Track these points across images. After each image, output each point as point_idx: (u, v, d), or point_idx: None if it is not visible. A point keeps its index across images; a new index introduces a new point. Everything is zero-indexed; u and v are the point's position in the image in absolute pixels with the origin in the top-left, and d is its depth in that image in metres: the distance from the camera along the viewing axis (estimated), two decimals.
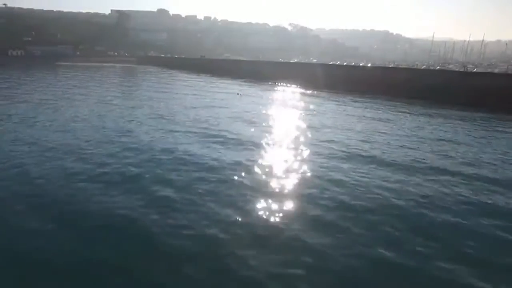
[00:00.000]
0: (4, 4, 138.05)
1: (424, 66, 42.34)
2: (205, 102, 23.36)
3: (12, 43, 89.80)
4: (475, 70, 33.32)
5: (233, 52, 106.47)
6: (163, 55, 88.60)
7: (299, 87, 36.58)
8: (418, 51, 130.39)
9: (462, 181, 8.95)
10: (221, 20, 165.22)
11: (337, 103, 24.70)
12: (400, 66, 41.89)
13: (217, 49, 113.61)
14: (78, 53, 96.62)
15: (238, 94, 28.01)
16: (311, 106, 22.72)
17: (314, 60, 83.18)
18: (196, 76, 51.30)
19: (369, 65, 45.42)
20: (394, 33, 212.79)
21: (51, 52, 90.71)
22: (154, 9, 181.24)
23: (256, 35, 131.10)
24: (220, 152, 11.10)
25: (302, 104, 24.06)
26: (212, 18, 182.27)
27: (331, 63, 56.66)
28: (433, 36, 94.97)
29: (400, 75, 30.53)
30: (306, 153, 11.26)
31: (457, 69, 34.33)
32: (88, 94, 26.60)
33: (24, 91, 27.23)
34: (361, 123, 17.08)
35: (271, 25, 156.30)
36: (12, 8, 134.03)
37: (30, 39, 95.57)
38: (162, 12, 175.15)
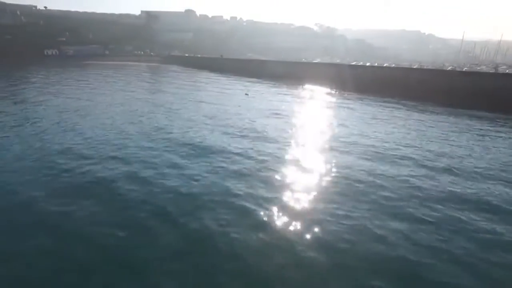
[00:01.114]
0: (45, 7, 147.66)
1: (451, 67, 39.87)
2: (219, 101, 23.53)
3: (48, 43, 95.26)
4: (507, 71, 30.92)
5: (257, 52, 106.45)
6: (187, 55, 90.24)
7: (327, 88, 35.13)
8: (450, 52, 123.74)
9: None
10: (247, 20, 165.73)
11: (375, 107, 23.17)
12: (425, 67, 39.80)
13: (241, 49, 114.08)
14: (107, 52, 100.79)
15: (246, 94, 27.75)
16: (352, 112, 21.21)
17: (338, 60, 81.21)
18: (217, 75, 51.69)
19: (392, 65, 43.54)
20: (426, 33, 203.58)
21: (82, 51, 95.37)
22: (182, 9, 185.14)
23: (280, 35, 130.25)
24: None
25: (338, 107, 22.87)
26: (238, 18, 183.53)
27: (353, 63, 54.97)
28: (463, 36, 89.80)
29: (414, 75, 29.28)
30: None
31: (488, 70, 32.11)
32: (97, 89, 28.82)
33: (54, 83, 33.09)
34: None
35: (296, 25, 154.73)
36: (51, 11, 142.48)
37: (64, 39, 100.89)
38: (189, 12, 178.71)
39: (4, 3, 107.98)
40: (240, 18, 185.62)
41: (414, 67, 42.91)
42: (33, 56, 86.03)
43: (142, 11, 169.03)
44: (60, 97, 23.95)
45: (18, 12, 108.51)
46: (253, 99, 25.45)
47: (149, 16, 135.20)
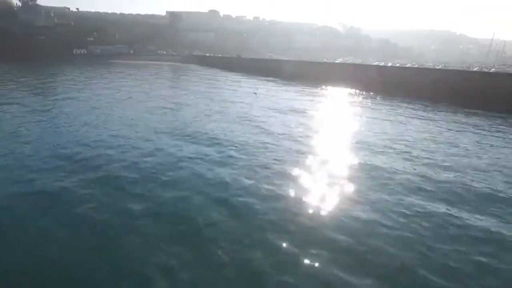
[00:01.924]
0: (77, 8, 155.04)
1: (477, 68, 37.79)
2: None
3: (77, 43, 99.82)
4: None
5: (277, 52, 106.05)
6: (207, 54, 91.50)
7: (350, 90, 33.55)
8: (482, 52, 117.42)
9: None
10: (269, 21, 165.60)
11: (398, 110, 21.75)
12: (449, 68, 37.96)
13: (261, 48, 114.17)
14: (131, 51, 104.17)
15: (254, 93, 27.66)
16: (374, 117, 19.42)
17: (360, 61, 79.31)
18: (234, 75, 52.02)
19: (408, 65, 41.91)
20: (458, 33, 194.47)
21: (108, 50, 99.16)
22: (206, 10, 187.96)
23: (302, 34, 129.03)
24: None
25: (361, 113, 21.12)
26: (261, 19, 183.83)
27: (375, 63, 53.46)
28: (492, 36, 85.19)
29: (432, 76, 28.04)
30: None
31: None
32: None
33: (81, 81, 36.08)
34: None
35: (319, 25, 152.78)
36: (82, 12, 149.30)
37: (92, 39, 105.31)
38: (212, 13, 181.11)
39: (39, 6, 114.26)
40: (263, 19, 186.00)
41: (438, 67, 41.11)
42: (63, 55, 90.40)
43: (167, 12, 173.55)
44: (86, 94, 25.76)
45: (52, 14, 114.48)
46: (262, 98, 25.30)
47: (173, 16, 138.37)
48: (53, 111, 18.20)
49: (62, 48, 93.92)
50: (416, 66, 41.55)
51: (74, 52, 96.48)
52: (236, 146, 12.12)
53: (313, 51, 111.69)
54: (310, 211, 7.40)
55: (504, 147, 13.31)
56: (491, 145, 13.49)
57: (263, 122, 16.51)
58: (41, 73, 46.55)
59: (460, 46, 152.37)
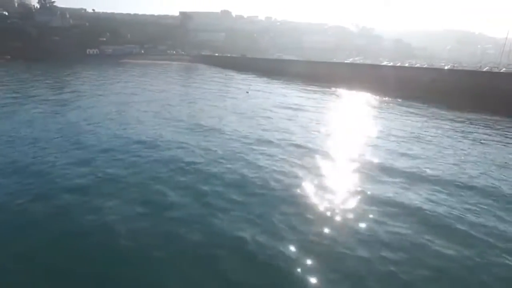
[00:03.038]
0: (93, 9, 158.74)
1: (487, 68, 36.08)
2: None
3: (90, 43, 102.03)
4: None
5: (287, 51, 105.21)
6: (217, 54, 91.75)
7: (362, 91, 31.53)
8: (500, 52, 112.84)
9: None
10: (280, 20, 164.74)
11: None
12: (465, 68, 36.36)
13: (271, 48, 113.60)
14: (142, 51, 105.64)
15: (247, 92, 27.27)
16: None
17: (368, 61, 77.64)
18: (236, 73, 51.86)
19: (417, 65, 40.47)
20: (477, 33, 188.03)
21: (120, 50, 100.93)
22: (218, 10, 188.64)
23: (313, 34, 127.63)
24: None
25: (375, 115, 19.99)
26: (273, 19, 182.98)
27: (384, 63, 52.02)
28: (507, 35, 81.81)
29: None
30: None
31: None
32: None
33: (93, 80, 38.57)
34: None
35: (330, 25, 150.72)
36: (97, 13, 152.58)
37: (105, 39, 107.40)
38: (224, 13, 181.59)
39: (56, 7, 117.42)
40: (275, 19, 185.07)
41: (447, 67, 39.51)
42: (77, 55, 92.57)
43: (180, 12, 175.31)
44: (98, 92, 28.01)
45: (68, 15, 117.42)
46: (254, 97, 24.92)
47: (184, 17, 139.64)
48: (67, 106, 20.04)
49: (76, 48, 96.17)
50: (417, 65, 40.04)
51: (87, 52, 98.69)
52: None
53: (325, 51, 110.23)
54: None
55: None
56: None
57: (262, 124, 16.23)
58: (56, 73, 48.92)
59: (478, 46, 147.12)
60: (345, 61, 64.30)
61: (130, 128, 14.72)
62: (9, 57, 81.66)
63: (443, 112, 20.87)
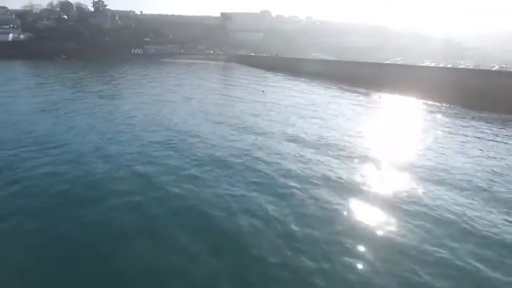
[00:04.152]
0: (141, 12, 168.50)
1: None
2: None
3: (135, 43, 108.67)
4: None
5: (325, 51, 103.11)
6: (252, 54, 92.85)
7: (412, 98, 26.82)
8: None
9: None
10: (321, 20, 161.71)
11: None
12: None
13: (308, 48, 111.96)
14: (182, 51, 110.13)
15: (262, 91, 27.30)
16: None
17: (410, 61, 73.54)
18: (268, 73, 52.10)
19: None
20: None
21: (161, 50, 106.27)
22: (258, 11, 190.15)
23: (353, 34, 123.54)
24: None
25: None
26: (313, 18, 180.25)
27: (426, 63, 49.11)
28: None
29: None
30: None
31: None
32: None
33: (139, 78, 44.05)
34: None
35: (373, 24, 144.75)
36: (145, 15, 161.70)
37: (148, 39, 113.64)
38: (264, 13, 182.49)
39: (107, 10, 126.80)
40: (315, 19, 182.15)
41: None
42: (123, 54, 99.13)
43: (221, 13, 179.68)
44: (143, 88, 32.00)
45: (117, 17, 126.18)
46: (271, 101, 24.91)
47: (224, 17, 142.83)
48: (120, 101, 23.92)
49: (123, 48, 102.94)
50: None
51: (132, 52, 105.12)
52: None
53: (366, 51, 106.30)
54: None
55: None
56: None
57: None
58: (105, 71, 54.87)
59: None
60: (372, 61, 61.19)
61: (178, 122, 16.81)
62: (64, 56, 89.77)
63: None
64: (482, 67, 48.99)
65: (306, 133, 14.60)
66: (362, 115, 19.82)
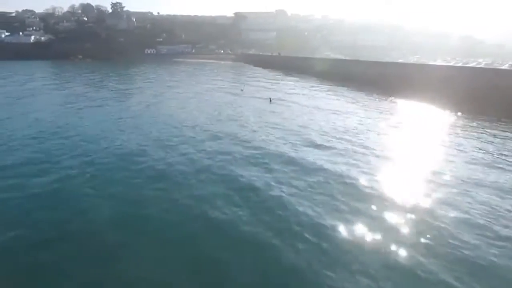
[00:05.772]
0: (158, 13, 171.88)
1: None
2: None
3: (148, 43, 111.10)
4: None
5: (338, 50, 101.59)
6: (261, 53, 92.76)
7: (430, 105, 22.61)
8: None
9: None
10: (335, 19, 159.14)
11: None
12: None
13: (322, 47, 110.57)
14: (193, 51, 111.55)
15: (241, 90, 27.14)
16: None
17: (423, 60, 71.33)
18: (270, 72, 51.87)
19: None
20: None
21: (173, 50, 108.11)
22: (275, 9, 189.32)
23: (367, 32, 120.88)
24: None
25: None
26: (329, 17, 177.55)
27: (437, 62, 47.31)
28: None
29: None
30: None
31: None
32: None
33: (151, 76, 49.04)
34: None
35: (386, 21, 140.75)
36: (162, 15, 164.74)
37: (161, 39, 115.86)
38: (279, 12, 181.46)
39: (123, 11, 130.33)
40: (331, 18, 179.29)
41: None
42: (137, 54, 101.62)
43: (234, 13, 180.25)
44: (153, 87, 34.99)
45: (133, 19, 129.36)
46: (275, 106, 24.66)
47: (237, 17, 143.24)
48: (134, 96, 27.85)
49: (137, 48, 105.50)
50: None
51: (146, 51, 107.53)
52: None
53: (380, 49, 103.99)
54: None
55: None
56: None
57: None
58: (119, 70, 58.42)
59: None
60: (398, 60, 59.33)
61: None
62: (80, 56, 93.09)
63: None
64: (495, 65, 46.72)
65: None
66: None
